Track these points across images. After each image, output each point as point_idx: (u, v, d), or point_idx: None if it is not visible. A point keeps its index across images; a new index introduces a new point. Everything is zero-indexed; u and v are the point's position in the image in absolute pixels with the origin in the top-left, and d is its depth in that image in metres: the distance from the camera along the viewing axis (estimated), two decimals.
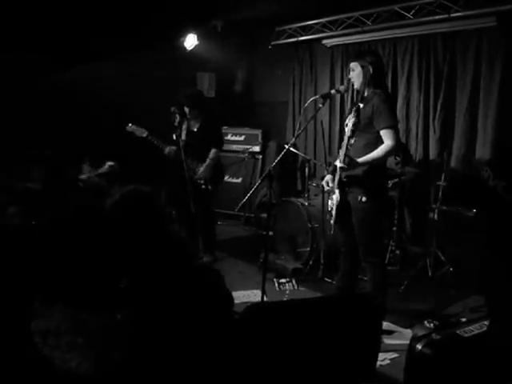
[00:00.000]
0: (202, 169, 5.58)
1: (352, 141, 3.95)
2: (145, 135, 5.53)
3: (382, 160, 3.95)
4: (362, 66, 3.93)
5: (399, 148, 4.02)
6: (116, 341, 1.69)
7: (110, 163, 5.94)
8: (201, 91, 6.21)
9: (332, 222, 4.13)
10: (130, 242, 1.99)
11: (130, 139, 5.60)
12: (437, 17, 5.71)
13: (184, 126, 5.64)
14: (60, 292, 1.70)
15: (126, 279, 1.91)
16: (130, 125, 5.60)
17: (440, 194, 5.23)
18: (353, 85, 4.07)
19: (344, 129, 4.14)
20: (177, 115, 5.47)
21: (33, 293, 1.70)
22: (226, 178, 7.88)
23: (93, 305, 1.72)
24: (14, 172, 5.25)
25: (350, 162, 3.81)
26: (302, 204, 5.77)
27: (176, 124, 5.48)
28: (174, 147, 5.50)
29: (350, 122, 3.98)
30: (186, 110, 5.62)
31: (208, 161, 5.61)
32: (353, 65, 4.01)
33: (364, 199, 3.92)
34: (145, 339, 1.77)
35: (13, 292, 1.69)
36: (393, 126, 3.87)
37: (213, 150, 5.66)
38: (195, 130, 5.69)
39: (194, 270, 2.07)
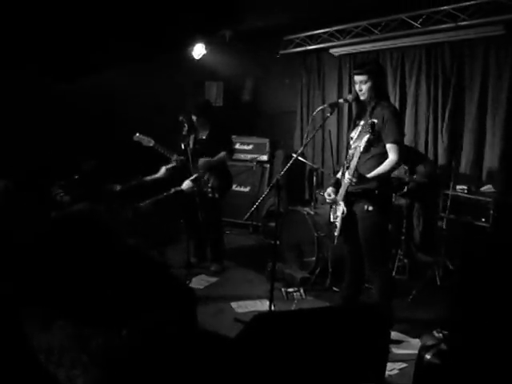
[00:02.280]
0: (203, 159, 5.54)
1: (364, 156, 3.95)
2: (151, 144, 5.53)
3: (388, 175, 4.00)
4: (366, 80, 3.94)
5: (401, 163, 4.05)
6: (120, 357, 1.67)
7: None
8: (208, 100, 6.23)
9: (336, 234, 4.14)
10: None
11: (137, 148, 5.61)
12: (444, 26, 5.71)
13: (192, 136, 5.66)
14: (61, 308, 1.69)
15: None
16: (137, 134, 5.61)
17: (448, 202, 5.21)
18: (356, 97, 4.07)
19: (349, 141, 4.14)
20: (185, 124, 5.49)
21: (32, 309, 1.69)
22: (233, 186, 7.89)
23: (96, 320, 1.70)
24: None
25: (360, 178, 3.81)
26: (308, 213, 5.76)
27: (184, 133, 5.50)
28: (181, 157, 5.51)
29: (361, 136, 3.97)
30: (194, 118, 5.62)
31: (215, 158, 5.60)
32: (357, 78, 4.00)
33: (370, 208, 3.93)
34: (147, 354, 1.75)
35: (12, 307, 1.68)
36: (399, 142, 3.91)
37: (222, 153, 5.65)
38: (203, 137, 5.70)
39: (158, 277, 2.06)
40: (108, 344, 1.66)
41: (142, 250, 2.20)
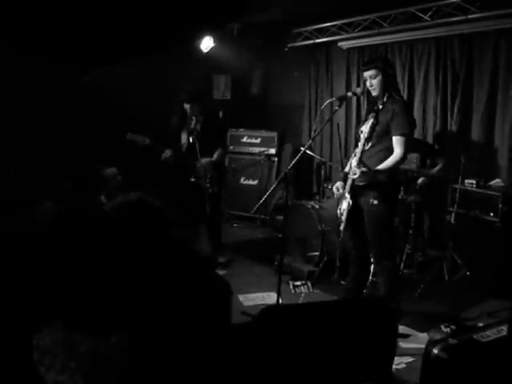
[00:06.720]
0: (204, 160, 5.47)
1: (368, 145, 3.95)
2: (146, 143, 5.38)
3: (394, 169, 3.97)
4: (376, 74, 3.94)
5: (407, 157, 4.04)
6: (107, 365, 1.64)
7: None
8: (200, 88, 6.11)
9: (342, 227, 4.14)
10: (132, 252, 1.93)
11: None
12: (454, 18, 5.67)
13: (188, 126, 5.58)
14: (59, 308, 1.66)
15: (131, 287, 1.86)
16: (129, 133, 5.39)
17: (457, 196, 5.19)
18: (367, 91, 4.07)
19: (359, 135, 4.14)
20: (193, 117, 5.47)
21: (35, 307, 1.67)
22: (242, 180, 7.94)
23: (87, 325, 1.67)
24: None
25: (365, 172, 3.81)
26: (313, 207, 5.74)
27: (192, 126, 5.48)
28: (168, 151, 5.43)
29: (366, 126, 3.98)
30: (187, 106, 5.54)
31: (215, 156, 5.56)
32: (366, 74, 4.00)
33: (376, 202, 3.93)
34: (148, 354, 1.73)
35: (17, 304, 1.66)
36: (407, 135, 3.90)
37: (219, 150, 5.62)
38: (198, 129, 5.54)
39: (198, 277, 2.04)
40: (93, 351, 1.64)
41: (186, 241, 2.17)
